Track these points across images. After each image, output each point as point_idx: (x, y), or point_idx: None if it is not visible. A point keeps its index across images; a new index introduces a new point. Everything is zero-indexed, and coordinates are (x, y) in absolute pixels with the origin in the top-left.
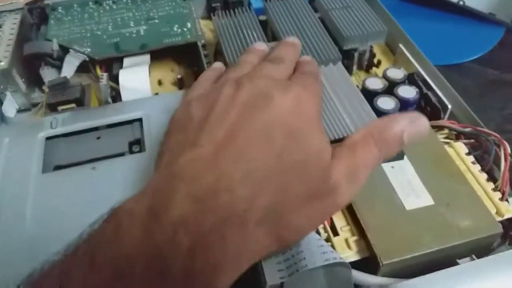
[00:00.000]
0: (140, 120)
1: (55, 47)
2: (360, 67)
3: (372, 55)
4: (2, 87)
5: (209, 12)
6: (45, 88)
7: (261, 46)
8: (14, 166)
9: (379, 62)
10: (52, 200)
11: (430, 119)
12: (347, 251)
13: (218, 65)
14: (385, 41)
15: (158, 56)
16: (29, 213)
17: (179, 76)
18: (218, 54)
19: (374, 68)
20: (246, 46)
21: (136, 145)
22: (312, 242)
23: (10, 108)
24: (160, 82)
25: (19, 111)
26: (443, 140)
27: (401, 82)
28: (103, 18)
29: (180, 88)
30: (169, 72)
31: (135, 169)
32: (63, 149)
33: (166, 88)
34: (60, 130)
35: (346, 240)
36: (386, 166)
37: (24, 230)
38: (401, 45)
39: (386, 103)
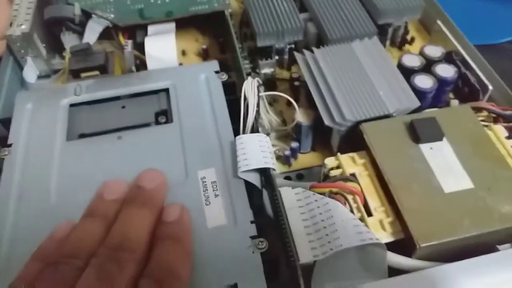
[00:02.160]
0: (166, 90)
1: (77, 11)
2: (393, 43)
3: (406, 31)
4: (23, 51)
5: None
6: (65, 54)
7: (115, 193)
8: (38, 132)
9: (412, 39)
10: (77, 169)
11: (467, 100)
12: (381, 232)
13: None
14: (419, 18)
15: (182, 24)
16: (54, 183)
17: (204, 47)
18: (243, 25)
19: (407, 45)
20: (276, 17)
21: (162, 115)
22: (347, 221)
23: (30, 73)
24: (184, 52)
25: (39, 77)
26: (482, 123)
27: (439, 61)
28: None
29: (205, 59)
30: (193, 42)
31: (162, 140)
32: (88, 117)
33: (190, 58)
34: (84, 97)
35: (381, 221)
36: (424, 147)
37: (49, 201)
38: (439, 22)
39: (423, 81)
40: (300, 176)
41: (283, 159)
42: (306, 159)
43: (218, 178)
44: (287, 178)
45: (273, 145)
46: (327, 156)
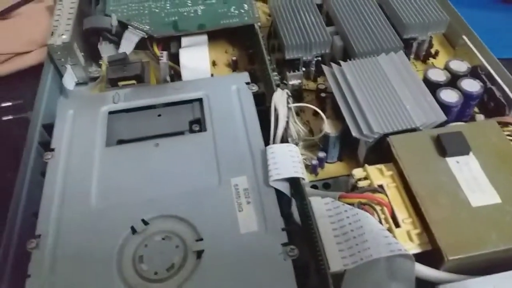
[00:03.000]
0: (200, 100)
1: (114, 22)
2: (417, 57)
3: (430, 45)
4: (63, 60)
5: None
6: (102, 62)
7: None
8: (79, 138)
9: (436, 53)
10: (116, 175)
11: (493, 114)
12: (408, 243)
13: None
14: (444, 32)
15: (213, 36)
16: (94, 187)
17: (234, 58)
18: (271, 37)
19: (431, 59)
20: (304, 30)
21: (196, 124)
22: (377, 232)
23: (69, 80)
24: (214, 63)
25: (77, 84)
26: (508, 138)
27: (464, 75)
28: None
29: (234, 69)
30: (223, 54)
31: (196, 148)
32: (126, 124)
33: (220, 69)
34: (122, 105)
35: (408, 232)
36: (451, 160)
37: (90, 205)
38: (464, 37)
39: (449, 95)
40: (326, 185)
41: (310, 168)
42: (333, 168)
43: (250, 185)
44: (314, 187)
45: (301, 155)
46: (353, 167)
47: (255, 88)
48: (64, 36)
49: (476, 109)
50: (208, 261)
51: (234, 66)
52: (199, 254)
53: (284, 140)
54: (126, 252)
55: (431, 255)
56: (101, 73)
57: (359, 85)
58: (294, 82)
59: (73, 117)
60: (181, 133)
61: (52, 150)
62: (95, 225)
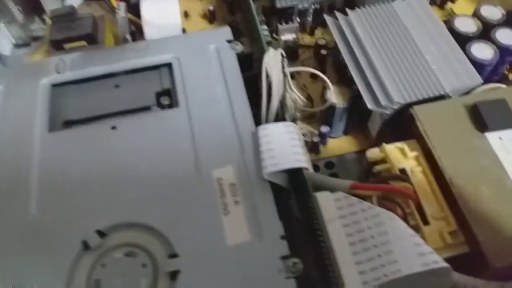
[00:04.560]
0: (169, 65)
1: None
2: (432, 2)
3: None
4: None
5: None
6: (47, 18)
7: None
8: (12, 121)
9: None
10: (62, 170)
11: None
12: (440, 244)
13: None
14: None
15: None
16: (34, 190)
17: (210, 7)
18: None
19: (449, 3)
20: None
21: (165, 96)
22: (406, 239)
23: (4, 43)
24: (186, 14)
25: (16, 46)
26: None
27: (499, 24)
28: None
29: (211, 22)
30: (197, 2)
31: (166, 130)
32: (74, 100)
33: (193, 21)
34: (68, 75)
35: (440, 231)
36: (492, 138)
37: (27, 213)
38: None
39: (482, 50)
40: (329, 164)
41: (310, 146)
42: (337, 144)
43: (238, 180)
44: (314, 168)
45: None
46: (362, 142)
47: (239, 47)
48: None
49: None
50: (186, 284)
51: (211, 18)
52: (173, 275)
53: (280, 117)
54: (78, 276)
55: (469, 259)
56: (45, 31)
57: (372, 41)
58: (288, 37)
59: (4, 95)
60: (146, 108)
61: None
62: (35, 240)
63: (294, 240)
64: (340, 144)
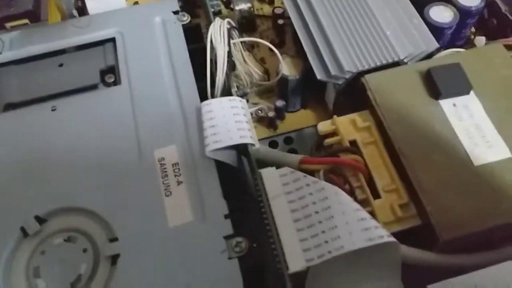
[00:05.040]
0: (113, 40)
1: None
2: None
3: None
4: None
5: None
6: None
7: None
8: None
9: None
10: (0, 155)
11: (496, 36)
12: (390, 217)
13: None
14: None
15: None
16: None
17: None
18: None
19: None
20: None
21: (110, 74)
22: (350, 214)
23: None
24: None
25: None
26: None
27: None
28: None
29: None
30: None
31: (106, 109)
32: (15, 81)
33: None
34: (8, 55)
35: (391, 205)
36: (446, 104)
37: None
38: None
39: (441, 13)
40: (288, 140)
41: (267, 122)
42: (296, 118)
43: (181, 159)
44: (273, 144)
45: (254, 104)
46: (321, 114)
47: (186, 18)
48: None
49: (472, 29)
50: (126, 268)
51: None
52: (114, 259)
53: (225, 91)
54: (16, 264)
55: (420, 232)
56: None
57: (325, 7)
58: (243, 6)
59: None
60: (92, 87)
61: None
62: None
63: (249, 218)
64: (298, 118)
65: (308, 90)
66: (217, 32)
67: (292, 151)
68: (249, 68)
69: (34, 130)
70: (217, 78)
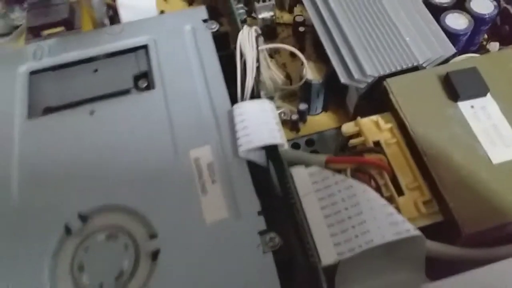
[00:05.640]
0: (145, 47)
1: None
2: None
3: None
4: None
5: None
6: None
7: None
8: None
9: None
10: (43, 156)
11: (508, 41)
12: (414, 214)
13: None
14: None
15: None
16: (15, 176)
17: None
18: None
19: None
20: None
21: (143, 79)
22: (378, 209)
23: None
24: None
25: None
26: None
27: None
28: None
29: (190, 3)
30: None
31: (142, 112)
32: (53, 86)
33: (172, 4)
34: (46, 61)
35: (415, 201)
36: (464, 106)
37: (10, 200)
38: None
39: (456, 20)
40: (310, 142)
41: (290, 124)
42: (317, 121)
43: (215, 158)
44: (295, 146)
45: (277, 108)
46: (342, 117)
47: (215, 26)
48: None
49: (485, 36)
50: (167, 263)
51: (191, 0)
52: (154, 255)
53: (255, 94)
54: (61, 261)
55: (443, 227)
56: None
57: (346, 15)
58: (265, 15)
59: None
60: (125, 92)
61: None
62: (17, 226)
63: (275, 216)
64: (320, 121)
65: (330, 93)
66: (246, 39)
67: (314, 152)
68: (273, 74)
69: (73, 132)
70: (246, 82)
